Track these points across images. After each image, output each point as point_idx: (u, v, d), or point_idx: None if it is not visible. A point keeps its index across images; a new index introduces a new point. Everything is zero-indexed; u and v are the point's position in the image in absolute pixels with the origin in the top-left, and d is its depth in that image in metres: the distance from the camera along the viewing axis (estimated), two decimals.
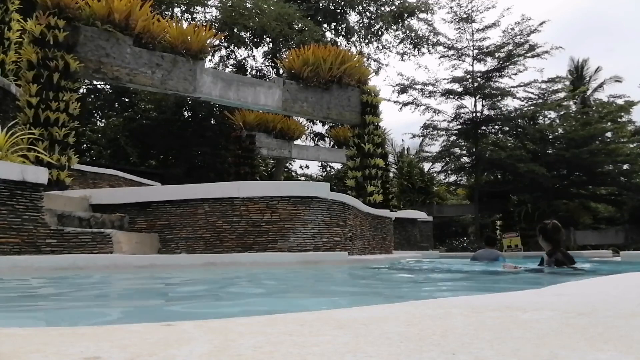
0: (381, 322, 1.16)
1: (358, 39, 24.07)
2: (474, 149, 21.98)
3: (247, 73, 22.01)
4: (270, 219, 7.09)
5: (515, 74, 21.80)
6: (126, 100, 20.85)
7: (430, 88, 22.43)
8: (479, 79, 21.88)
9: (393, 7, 23.15)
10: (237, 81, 11.57)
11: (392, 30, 23.82)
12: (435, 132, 23.28)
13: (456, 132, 23.07)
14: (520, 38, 21.22)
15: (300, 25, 19.46)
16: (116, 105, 21.07)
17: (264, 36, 20.90)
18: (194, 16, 20.75)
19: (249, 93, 11.48)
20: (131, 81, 9.80)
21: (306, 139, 24.44)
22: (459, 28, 21.70)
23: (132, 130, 19.43)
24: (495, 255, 8.15)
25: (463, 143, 23.32)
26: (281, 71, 14.32)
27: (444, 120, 23.12)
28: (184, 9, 20.19)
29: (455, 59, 22.26)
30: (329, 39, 21.81)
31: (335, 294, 3.53)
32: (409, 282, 4.87)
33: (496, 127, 23.24)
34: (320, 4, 22.49)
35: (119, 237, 6.08)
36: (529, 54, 21.27)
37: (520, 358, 0.83)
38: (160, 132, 19.59)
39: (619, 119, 22.07)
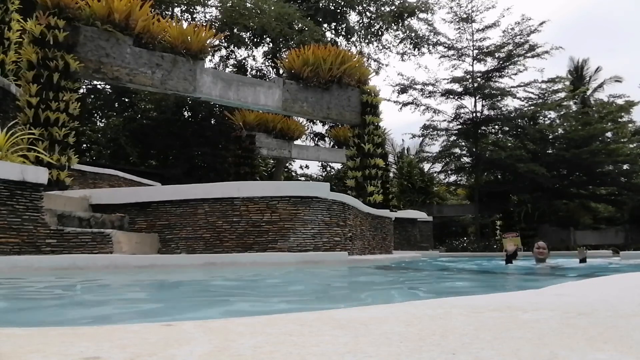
0: (381, 322, 1.16)
1: (358, 39, 24.06)
2: (474, 149, 21.98)
3: (247, 73, 21.99)
4: (270, 219, 7.08)
5: (515, 74, 21.80)
6: (126, 100, 20.83)
7: (430, 88, 22.43)
8: (479, 79, 21.87)
9: (393, 7, 23.13)
10: (237, 81, 11.57)
11: (392, 30, 23.81)
12: (435, 132, 23.27)
13: (456, 132, 23.06)
14: (520, 38, 21.21)
15: (300, 25, 19.44)
16: (116, 105, 21.04)
17: (264, 36, 20.89)
18: (194, 16, 20.75)
19: (249, 93, 11.48)
20: (131, 81, 9.80)
21: (306, 139, 24.45)
22: (459, 28, 21.69)
23: (132, 130, 19.41)
24: None
25: (463, 143, 23.31)
26: (281, 71, 14.31)
27: (444, 121, 23.13)
28: (184, 9, 20.18)
29: (455, 59, 22.26)
30: (329, 39, 21.79)
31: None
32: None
33: (496, 127, 23.24)
34: (320, 4, 22.47)
35: (119, 237, 6.08)
36: (529, 54, 21.26)
37: (520, 358, 0.83)
38: (160, 132, 19.57)
39: (619, 119, 22.08)
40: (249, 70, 22.64)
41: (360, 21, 24.01)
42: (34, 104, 8.57)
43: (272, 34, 19.10)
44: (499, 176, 24.01)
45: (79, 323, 2.08)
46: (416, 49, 23.48)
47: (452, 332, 1.03)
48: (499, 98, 22.04)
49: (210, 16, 21.08)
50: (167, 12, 18.85)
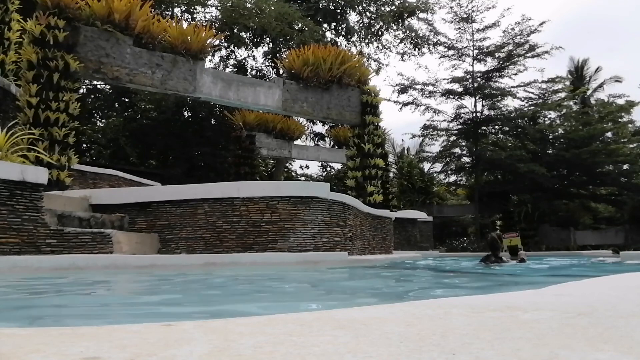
0: (381, 322, 1.16)
1: (358, 39, 24.06)
2: (474, 149, 21.99)
3: (247, 73, 21.99)
4: (270, 219, 7.09)
5: (516, 74, 21.83)
6: (126, 100, 20.83)
7: (430, 88, 22.46)
8: (479, 79, 21.88)
9: (393, 7, 23.13)
10: (237, 81, 11.56)
11: (392, 30, 23.81)
12: (435, 132, 23.29)
13: (456, 132, 23.08)
14: (521, 38, 21.23)
15: (300, 25, 19.44)
16: (116, 105, 21.05)
17: (264, 36, 20.89)
18: (194, 16, 20.75)
19: (249, 93, 11.48)
20: (131, 81, 9.79)
21: (306, 139, 24.45)
22: (459, 28, 21.71)
23: (132, 130, 19.41)
24: None
25: (463, 143, 23.33)
26: (281, 71, 14.30)
27: (444, 121, 23.15)
28: (184, 9, 20.18)
29: (455, 59, 22.28)
30: (329, 39, 21.80)
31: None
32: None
33: (496, 127, 23.25)
34: (320, 4, 22.47)
35: (119, 237, 6.08)
36: (529, 54, 21.28)
37: (520, 358, 0.83)
38: (160, 132, 19.57)
39: (619, 119, 22.09)
40: (249, 70, 22.65)
41: (360, 21, 24.02)
42: (34, 104, 8.57)
43: (272, 34, 19.10)
44: (499, 176, 24.02)
45: (79, 323, 2.08)
46: (416, 49, 23.50)
47: (452, 332, 1.03)
48: (499, 98, 22.07)
49: (210, 16, 21.10)
50: (167, 12, 18.86)
